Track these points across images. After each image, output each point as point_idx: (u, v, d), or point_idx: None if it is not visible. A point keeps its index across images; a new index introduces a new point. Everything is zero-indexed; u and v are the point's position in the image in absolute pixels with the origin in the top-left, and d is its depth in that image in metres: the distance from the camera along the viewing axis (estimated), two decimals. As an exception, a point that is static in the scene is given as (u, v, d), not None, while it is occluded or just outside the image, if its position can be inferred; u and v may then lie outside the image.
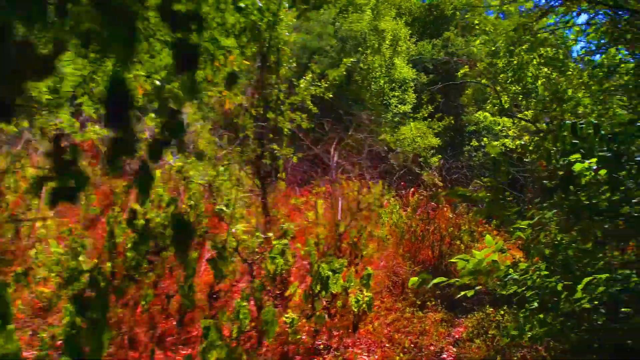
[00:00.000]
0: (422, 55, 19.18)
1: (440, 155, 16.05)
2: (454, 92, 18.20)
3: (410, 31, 19.40)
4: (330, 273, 4.15)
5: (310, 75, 8.39)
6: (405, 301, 6.90)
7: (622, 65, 7.09)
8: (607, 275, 2.68)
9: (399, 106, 16.82)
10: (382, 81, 16.78)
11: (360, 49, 16.61)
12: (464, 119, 18.19)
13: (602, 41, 8.38)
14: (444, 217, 11.01)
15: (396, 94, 17.08)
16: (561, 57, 10.71)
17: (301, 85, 8.43)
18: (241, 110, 9.08)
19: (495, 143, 13.53)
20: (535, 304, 3.50)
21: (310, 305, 4.09)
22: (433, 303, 6.91)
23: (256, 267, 4.45)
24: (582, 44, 15.86)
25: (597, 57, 8.87)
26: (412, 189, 10.81)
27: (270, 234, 4.51)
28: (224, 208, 4.28)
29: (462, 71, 11.78)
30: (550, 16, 9.10)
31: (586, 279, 2.66)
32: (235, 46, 3.30)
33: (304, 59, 15.78)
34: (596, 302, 2.78)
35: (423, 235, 9.91)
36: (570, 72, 11.16)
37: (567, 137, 3.65)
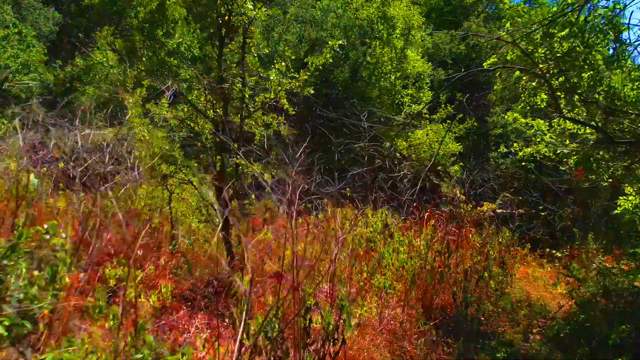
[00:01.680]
0: (439, 48, 16.73)
1: (461, 163, 13.62)
2: (477, 90, 15.73)
3: (425, 23, 17.02)
4: None
5: (283, 63, 6.06)
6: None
7: None
8: None
9: (413, 106, 14.45)
10: (393, 77, 14.41)
11: (367, 39, 14.27)
12: (489, 121, 15.70)
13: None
14: (468, 244, 8.61)
15: (409, 91, 14.72)
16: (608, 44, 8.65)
17: (272, 77, 6.10)
18: (194, 112, 6.80)
19: (528, 150, 11.20)
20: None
21: None
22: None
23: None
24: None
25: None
26: (428, 212, 8.36)
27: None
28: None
29: (489, 61, 9.37)
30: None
31: None
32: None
33: (300, 53, 13.51)
34: None
35: (441, 273, 7.50)
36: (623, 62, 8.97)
37: None
